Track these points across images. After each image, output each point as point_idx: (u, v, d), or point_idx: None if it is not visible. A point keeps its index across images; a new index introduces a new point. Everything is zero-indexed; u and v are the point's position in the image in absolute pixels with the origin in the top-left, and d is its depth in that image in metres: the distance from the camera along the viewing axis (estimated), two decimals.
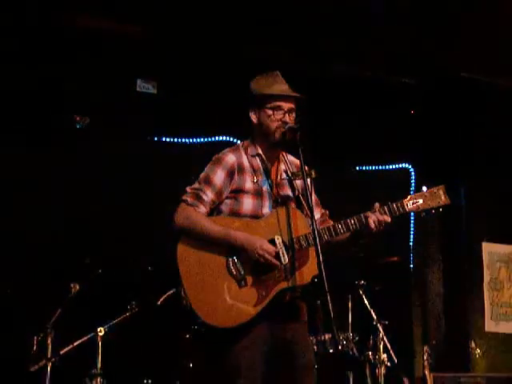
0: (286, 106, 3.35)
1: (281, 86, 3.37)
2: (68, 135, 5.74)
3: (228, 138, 6.20)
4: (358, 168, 6.88)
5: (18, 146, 5.57)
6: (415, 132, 6.86)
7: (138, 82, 5.98)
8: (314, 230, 3.07)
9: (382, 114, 6.57)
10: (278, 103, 3.34)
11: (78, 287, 4.74)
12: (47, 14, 5.36)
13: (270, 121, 3.34)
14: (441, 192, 3.31)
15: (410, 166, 7.03)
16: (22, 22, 5.37)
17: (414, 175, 7.00)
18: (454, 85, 6.57)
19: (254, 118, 3.41)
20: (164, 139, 6.17)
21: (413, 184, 6.96)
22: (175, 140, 6.19)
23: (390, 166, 6.99)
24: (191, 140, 6.23)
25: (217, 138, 6.24)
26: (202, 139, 6.23)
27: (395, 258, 5.49)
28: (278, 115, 3.34)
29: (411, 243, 6.94)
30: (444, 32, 5.82)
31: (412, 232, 6.94)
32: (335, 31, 5.78)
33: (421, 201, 3.30)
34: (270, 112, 3.34)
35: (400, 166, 7.02)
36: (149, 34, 5.77)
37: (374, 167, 6.92)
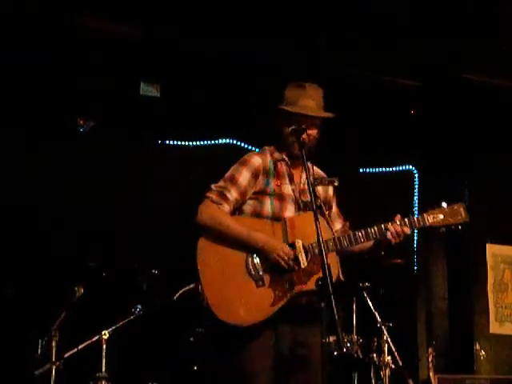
0: (307, 122, 3.32)
1: (306, 102, 3.36)
2: (70, 138, 5.76)
3: (231, 141, 6.21)
4: (361, 170, 6.88)
5: (19, 148, 5.59)
6: (418, 133, 6.85)
7: (142, 85, 5.99)
8: (318, 234, 3.05)
9: (384, 115, 6.57)
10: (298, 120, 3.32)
11: (82, 290, 4.74)
12: (48, 15, 5.37)
13: (288, 134, 3.35)
14: (461, 209, 3.40)
15: (413, 168, 7.03)
16: (23, 23, 5.38)
17: (418, 177, 7.00)
18: (455, 85, 6.56)
19: (277, 124, 3.42)
20: (167, 142, 6.18)
21: (416, 186, 6.95)
22: (178, 143, 6.21)
23: (394, 168, 6.99)
24: (194, 143, 6.24)
25: (220, 140, 6.25)
26: (205, 142, 6.25)
27: (399, 261, 5.49)
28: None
29: (415, 245, 6.93)
30: (444, 32, 5.82)
31: (416, 234, 6.93)
32: (336, 31, 5.79)
33: (441, 216, 3.37)
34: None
35: (403, 167, 7.02)
36: (152, 37, 5.78)
37: (377, 169, 6.93)
